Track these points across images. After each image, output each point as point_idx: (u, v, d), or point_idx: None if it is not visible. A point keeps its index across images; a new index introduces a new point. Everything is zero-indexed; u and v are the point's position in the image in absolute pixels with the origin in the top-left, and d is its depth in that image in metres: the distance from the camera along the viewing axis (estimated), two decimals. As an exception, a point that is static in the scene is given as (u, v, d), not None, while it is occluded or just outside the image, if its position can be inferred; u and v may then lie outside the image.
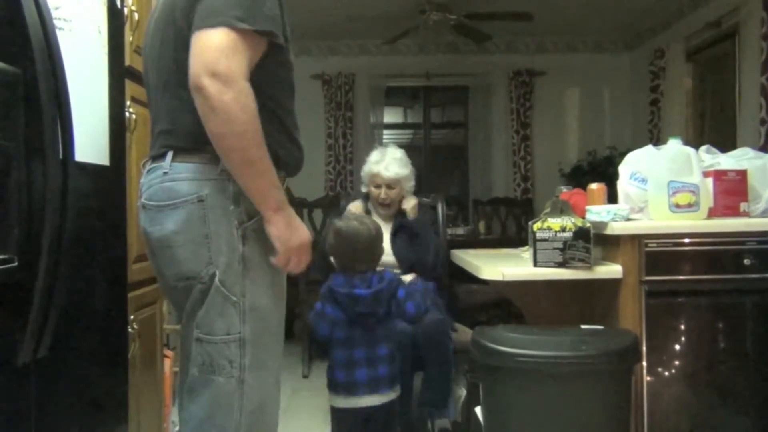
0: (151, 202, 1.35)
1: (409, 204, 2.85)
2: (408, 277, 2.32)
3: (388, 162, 2.83)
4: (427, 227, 2.88)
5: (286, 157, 1.40)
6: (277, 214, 1.30)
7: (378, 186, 2.85)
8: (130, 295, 1.87)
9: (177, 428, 2.76)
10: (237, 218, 1.31)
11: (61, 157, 1.26)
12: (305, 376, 3.82)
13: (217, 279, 1.30)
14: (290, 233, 1.33)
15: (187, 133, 1.32)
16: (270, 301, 1.37)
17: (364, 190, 2.97)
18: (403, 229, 2.84)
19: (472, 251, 2.79)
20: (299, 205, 3.99)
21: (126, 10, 1.87)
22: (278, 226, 1.31)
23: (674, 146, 2.11)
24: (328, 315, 2.08)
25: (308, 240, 1.37)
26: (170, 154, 1.34)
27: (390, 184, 2.83)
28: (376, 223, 2.19)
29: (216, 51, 1.20)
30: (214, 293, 1.31)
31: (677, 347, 1.99)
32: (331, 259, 2.18)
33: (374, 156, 2.92)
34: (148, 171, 1.40)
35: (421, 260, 2.77)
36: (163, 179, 1.33)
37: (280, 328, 1.44)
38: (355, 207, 2.89)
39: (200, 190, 1.30)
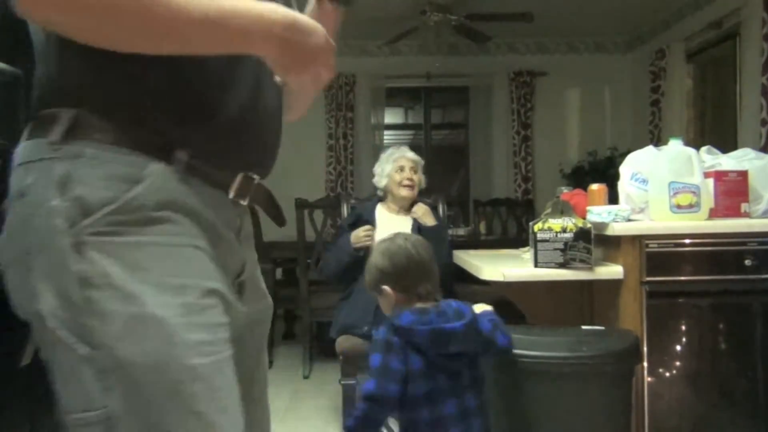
0: None
1: (421, 209, 2.88)
2: (480, 307, 1.76)
3: (405, 150, 2.96)
4: (446, 232, 2.96)
5: (184, 139, 0.83)
6: (264, 47, 0.81)
7: (402, 169, 2.89)
8: (131, 295, 1.87)
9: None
10: (65, 217, 0.76)
11: (61, 157, 1.26)
12: (306, 377, 3.82)
13: (48, 320, 0.77)
14: (292, 58, 0.83)
15: (35, 86, 0.87)
16: (159, 347, 0.76)
17: (382, 184, 2.93)
18: (424, 232, 2.81)
19: (472, 252, 2.80)
20: (300, 206, 3.98)
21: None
22: (272, 59, 0.83)
23: (675, 147, 2.11)
24: (394, 369, 1.50)
25: (320, 45, 0.84)
26: (29, 128, 0.86)
27: (413, 168, 2.91)
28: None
29: None
30: (51, 344, 0.79)
31: (678, 348, 1.99)
32: (386, 289, 1.66)
33: (389, 151, 2.99)
34: None
35: (442, 263, 2.79)
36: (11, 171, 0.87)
37: (194, 391, 0.78)
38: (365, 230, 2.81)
39: (24, 180, 0.80)
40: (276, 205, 1.01)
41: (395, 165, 2.89)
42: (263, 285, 1.05)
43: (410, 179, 2.87)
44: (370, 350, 1.58)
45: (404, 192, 2.87)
